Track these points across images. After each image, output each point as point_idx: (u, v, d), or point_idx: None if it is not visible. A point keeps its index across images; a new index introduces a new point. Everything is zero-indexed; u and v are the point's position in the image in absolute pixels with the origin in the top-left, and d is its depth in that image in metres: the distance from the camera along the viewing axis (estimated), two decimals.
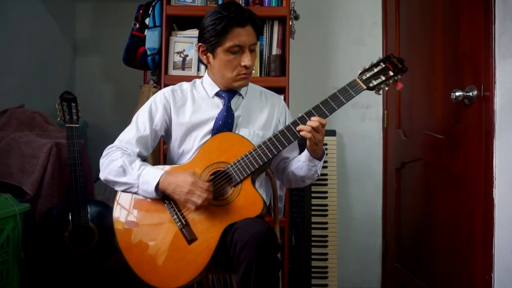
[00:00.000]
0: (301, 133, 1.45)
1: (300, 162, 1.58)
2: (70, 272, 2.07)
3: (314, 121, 1.43)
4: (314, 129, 1.43)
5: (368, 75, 1.48)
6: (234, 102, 1.63)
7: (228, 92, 1.63)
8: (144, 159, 1.62)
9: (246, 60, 1.53)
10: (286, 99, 2.18)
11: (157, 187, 1.44)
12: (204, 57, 1.60)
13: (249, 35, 1.53)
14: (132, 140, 1.57)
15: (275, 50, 2.26)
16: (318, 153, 1.52)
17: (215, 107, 1.62)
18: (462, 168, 1.76)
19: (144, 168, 1.48)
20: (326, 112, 1.46)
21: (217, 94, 1.63)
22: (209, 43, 1.54)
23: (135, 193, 1.49)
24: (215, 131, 1.57)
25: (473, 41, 1.69)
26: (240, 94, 1.65)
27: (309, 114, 1.46)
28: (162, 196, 1.48)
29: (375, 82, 1.47)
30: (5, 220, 1.90)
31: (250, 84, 1.71)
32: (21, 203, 2.02)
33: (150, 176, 1.45)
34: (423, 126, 2.13)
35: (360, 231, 2.67)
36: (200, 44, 1.58)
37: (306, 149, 1.53)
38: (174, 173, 1.45)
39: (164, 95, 1.63)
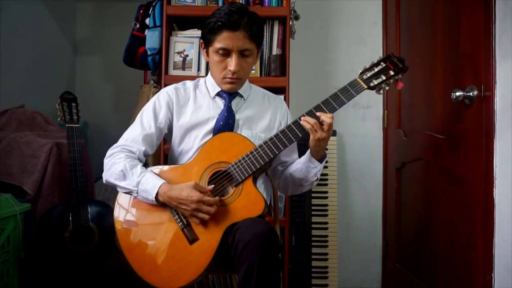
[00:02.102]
0: (303, 124, 1.43)
1: (299, 164, 1.56)
2: (70, 272, 2.07)
3: (320, 115, 1.43)
4: (319, 123, 1.42)
5: (368, 75, 1.48)
6: (235, 103, 1.63)
7: (229, 93, 1.63)
8: (147, 157, 1.62)
9: (231, 65, 1.52)
10: (286, 99, 2.19)
11: (157, 197, 1.44)
12: (204, 52, 1.61)
13: (239, 40, 1.50)
14: (138, 138, 1.57)
15: (275, 50, 2.26)
16: (320, 153, 1.50)
17: (216, 107, 1.62)
18: (462, 168, 1.76)
19: (143, 175, 1.46)
20: (327, 111, 1.46)
21: (218, 94, 1.63)
22: (204, 40, 1.57)
23: (136, 197, 1.49)
24: (216, 131, 1.57)
25: (474, 41, 1.69)
26: (242, 96, 1.65)
27: (310, 114, 1.46)
28: None
29: (375, 82, 1.47)
30: (6, 220, 1.90)
31: (253, 86, 1.71)
32: (22, 203, 2.01)
33: (149, 185, 1.44)
34: (423, 126, 2.13)
35: (360, 231, 2.67)
36: (201, 39, 1.60)
37: (308, 151, 1.52)
38: (176, 188, 1.42)
39: (168, 93, 1.63)
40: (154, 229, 1.47)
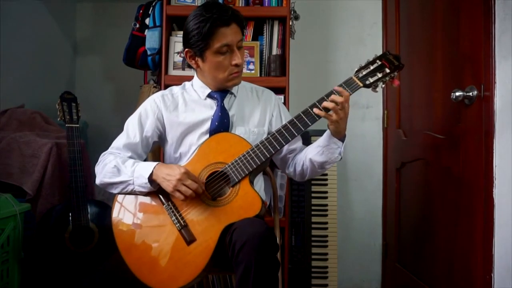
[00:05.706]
0: (318, 113, 1.41)
1: (319, 148, 1.52)
2: (70, 272, 2.08)
3: (336, 97, 1.41)
4: (337, 106, 1.40)
5: (364, 73, 1.46)
6: (227, 101, 1.63)
7: (220, 92, 1.62)
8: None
9: (236, 58, 1.53)
10: (286, 99, 2.19)
11: (150, 178, 1.44)
12: (193, 61, 1.59)
13: (235, 33, 1.52)
14: (122, 147, 1.58)
15: (275, 50, 2.26)
16: (341, 134, 1.48)
17: (209, 109, 1.62)
18: (462, 168, 1.76)
19: (137, 164, 1.49)
20: (322, 109, 1.45)
21: (209, 96, 1.63)
22: (196, 47, 1.52)
23: (132, 191, 1.49)
24: (212, 132, 1.57)
25: (473, 41, 1.69)
26: (232, 93, 1.65)
27: (305, 112, 1.46)
28: (161, 197, 1.48)
29: (371, 80, 1.45)
30: (6, 220, 1.90)
31: (241, 82, 1.71)
32: (22, 203, 2.02)
33: (144, 169, 1.46)
34: (423, 126, 2.12)
35: (360, 231, 2.67)
36: (187, 50, 1.57)
37: (326, 132, 1.50)
38: (168, 164, 1.48)
39: (155, 101, 1.63)
40: (152, 231, 1.47)
